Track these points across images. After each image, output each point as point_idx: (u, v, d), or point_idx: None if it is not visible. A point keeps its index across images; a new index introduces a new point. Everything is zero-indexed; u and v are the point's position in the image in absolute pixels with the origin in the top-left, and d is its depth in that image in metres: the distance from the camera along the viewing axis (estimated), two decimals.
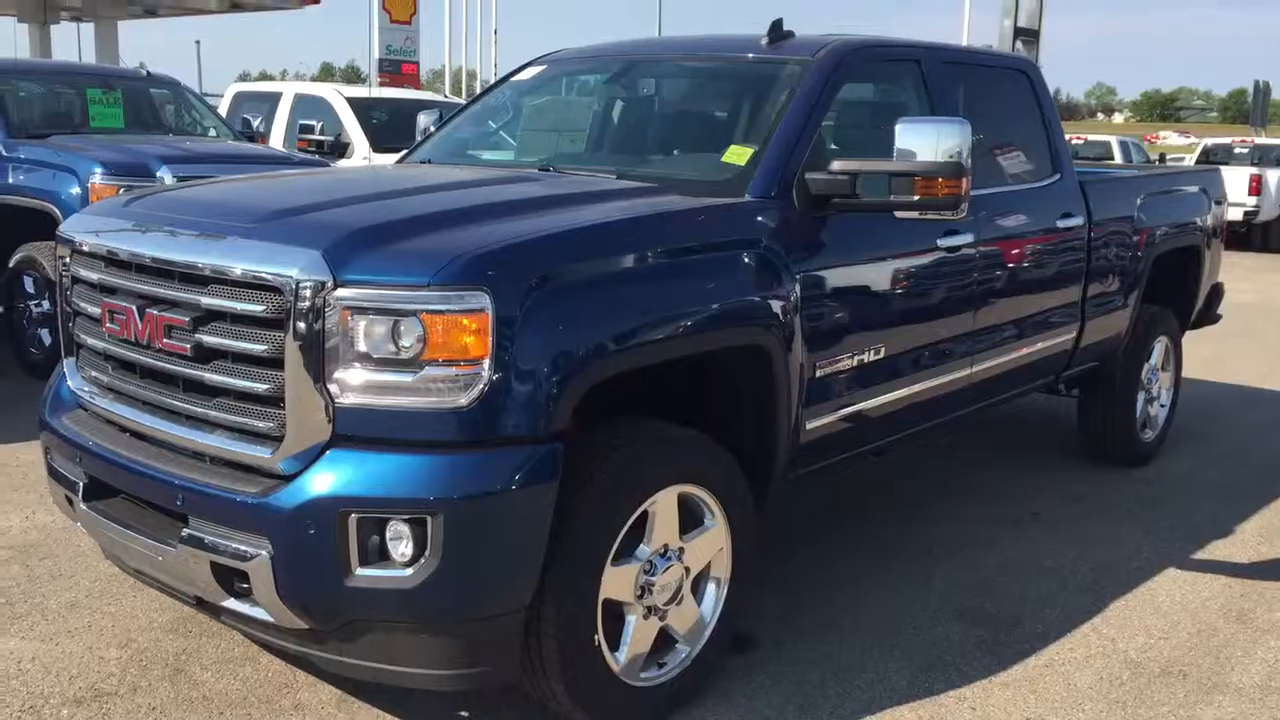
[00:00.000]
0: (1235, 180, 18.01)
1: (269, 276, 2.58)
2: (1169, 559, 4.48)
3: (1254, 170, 18.27)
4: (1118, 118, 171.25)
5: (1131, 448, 5.68)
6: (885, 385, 3.77)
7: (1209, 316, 6.42)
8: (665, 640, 3.11)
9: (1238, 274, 14.75)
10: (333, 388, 2.55)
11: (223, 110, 10.33)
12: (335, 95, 9.78)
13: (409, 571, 2.52)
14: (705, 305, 3.01)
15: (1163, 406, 5.97)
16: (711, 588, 3.21)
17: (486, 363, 2.53)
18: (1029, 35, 25.41)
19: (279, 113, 9.98)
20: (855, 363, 3.61)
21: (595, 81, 4.38)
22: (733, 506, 3.17)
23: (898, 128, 3.35)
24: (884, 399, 3.78)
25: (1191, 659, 3.62)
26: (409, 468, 2.53)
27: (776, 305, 3.22)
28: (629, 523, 2.87)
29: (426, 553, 2.51)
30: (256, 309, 2.61)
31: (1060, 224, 4.71)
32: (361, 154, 9.34)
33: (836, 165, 3.42)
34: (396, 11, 23.72)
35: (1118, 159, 20.94)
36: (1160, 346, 5.82)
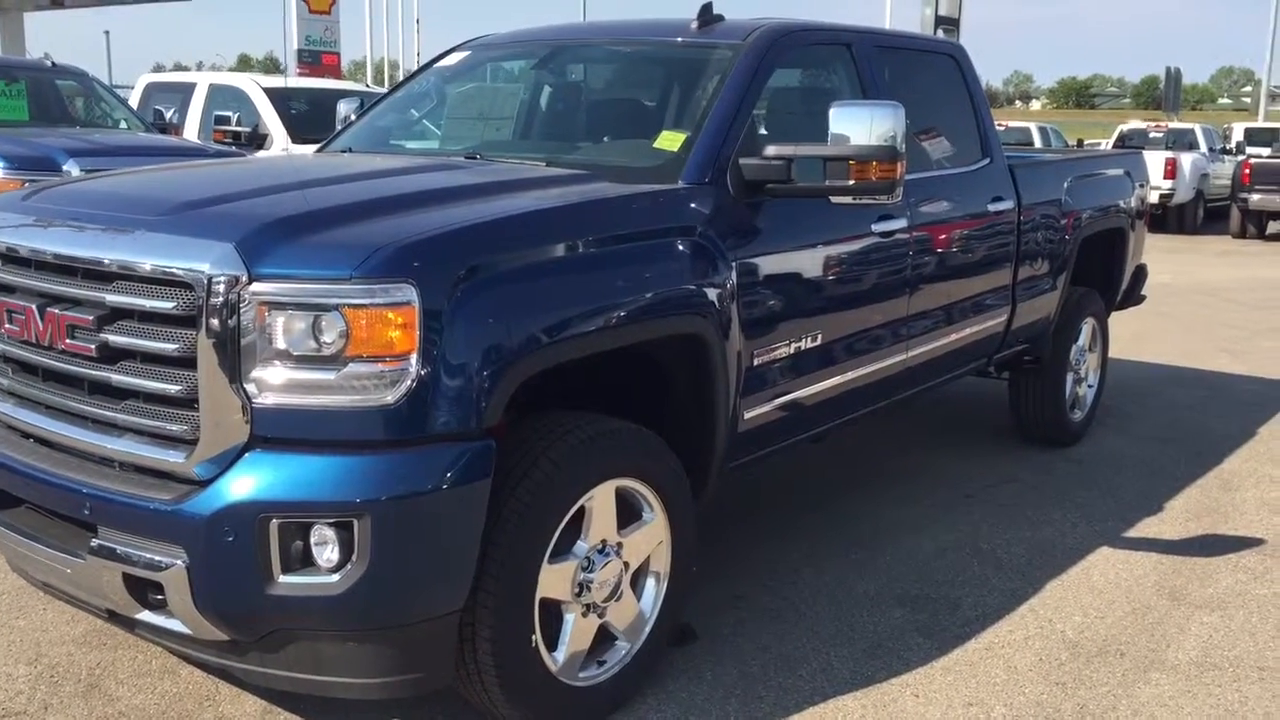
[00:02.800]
0: (1151, 164, 18.27)
1: (179, 271, 2.44)
2: (1102, 538, 4.52)
3: (1169, 154, 18.72)
4: (1035, 105, 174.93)
5: (1061, 428, 5.74)
6: (822, 372, 3.73)
7: (1134, 297, 6.53)
8: (605, 637, 3.03)
9: (1155, 256, 14.94)
10: (250, 387, 2.42)
11: (134, 102, 9.98)
12: (252, 85, 9.49)
13: (335, 578, 2.41)
14: (640, 294, 2.93)
15: (1090, 387, 6.05)
16: (651, 582, 3.14)
17: (413, 358, 2.42)
18: (949, 23, 25.76)
19: (193, 104, 9.67)
20: (792, 350, 3.56)
21: (521, 67, 4.27)
22: (672, 499, 3.11)
23: (832, 112, 3.30)
24: (821, 386, 3.74)
25: (1128, 637, 3.65)
26: (333, 469, 2.41)
27: (713, 293, 3.15)
28: (565, 519, 2.79)
29: (353, 558, 2.40)
30: (166, 306, 2.47)
31: (991, 208, 4.72)
32: (280, 145, 9.08)
33: (771, 150, 3.36)
34: (315, 2, 23.25)
35: (1037, 144, 21.33)
36: (1088, 328, 5.89)
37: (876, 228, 3.92)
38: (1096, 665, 3.46)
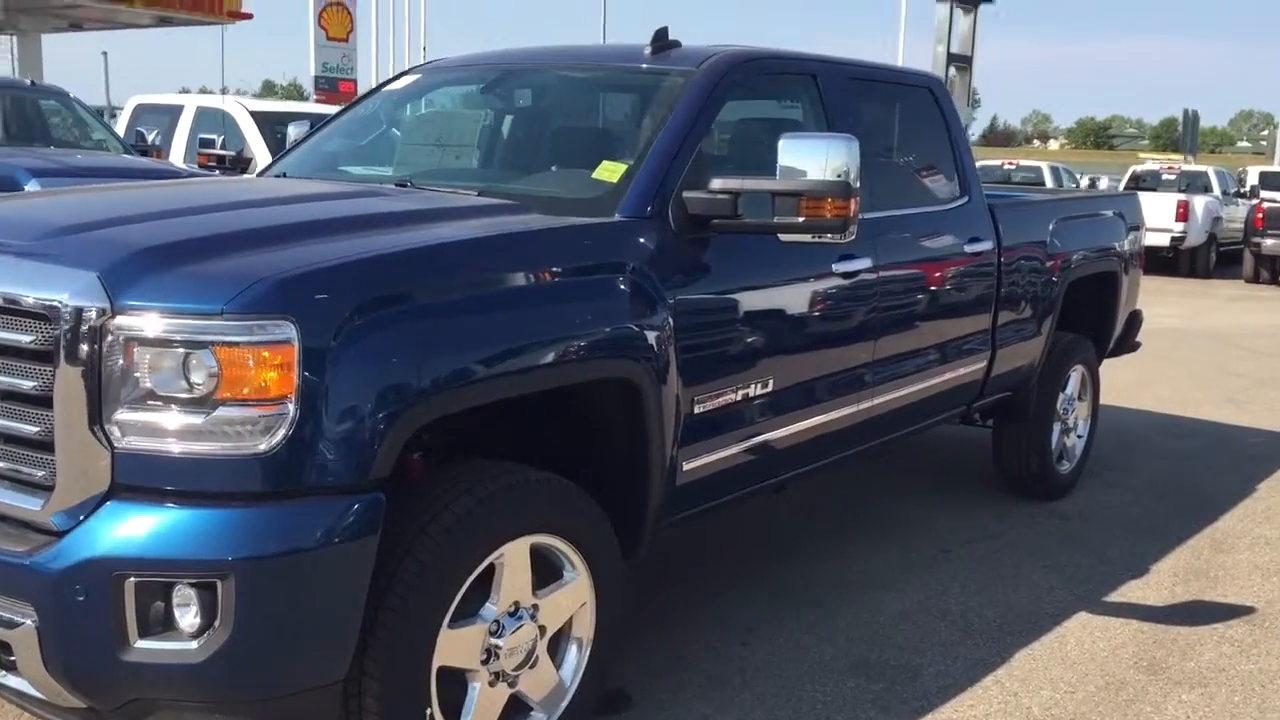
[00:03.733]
0: (1162, 206, 18.21)
1: (33, 302, 2.24)
2: (1081, 602, 4.26)
3: (1181, 196, 18.46)
4: (1053, 144, 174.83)
5: (1048, 480, 5.48)
6: (774, 421, 3.50)
7: (1128, 344, 6.27)
8: (518, 708, 2.79)
9: (1164, 299, 14.85)
10: (112, 430, 2.21)
11: (122, 123, 9.87)
12: (238, 108, 9.38)
13: (195, 644, 2.19)
14: (562, 336, 2.72)
15: (1080, 437, 5.79)
16: (573, 649, 2.90)
17: (291, 402, 2.21)
18: (962, 61, 25.68)
19: (180, 126, 9.55)
20: (739, 397, 3.33)
21: (468, 92, 4.08)
22: (597, 557, 2.87)
23: (781, 144, 3.09)
24: (772, 435, 3.51)
25: (1098, 716, 3.38)
26: (198, 523, 2.19)
27: (647, 334, 2.93)
28: (470, 580, 2.56)
29: (216, 622, 2.18)
30: (23, 339, 2.27)
31: (968, 248, 4.50)
32: None
33: (717, 184, 3.15)
34: (333, 29, 23.34)
35: (1049, 184, 21.11)
36: (1076, 375, 5.64)
37: (838, 267, 3.70)
38: None
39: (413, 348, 2.37)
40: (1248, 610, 4.25)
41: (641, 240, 3.05)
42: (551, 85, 3.90)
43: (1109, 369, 6.64)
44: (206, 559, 2.16)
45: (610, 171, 3.20)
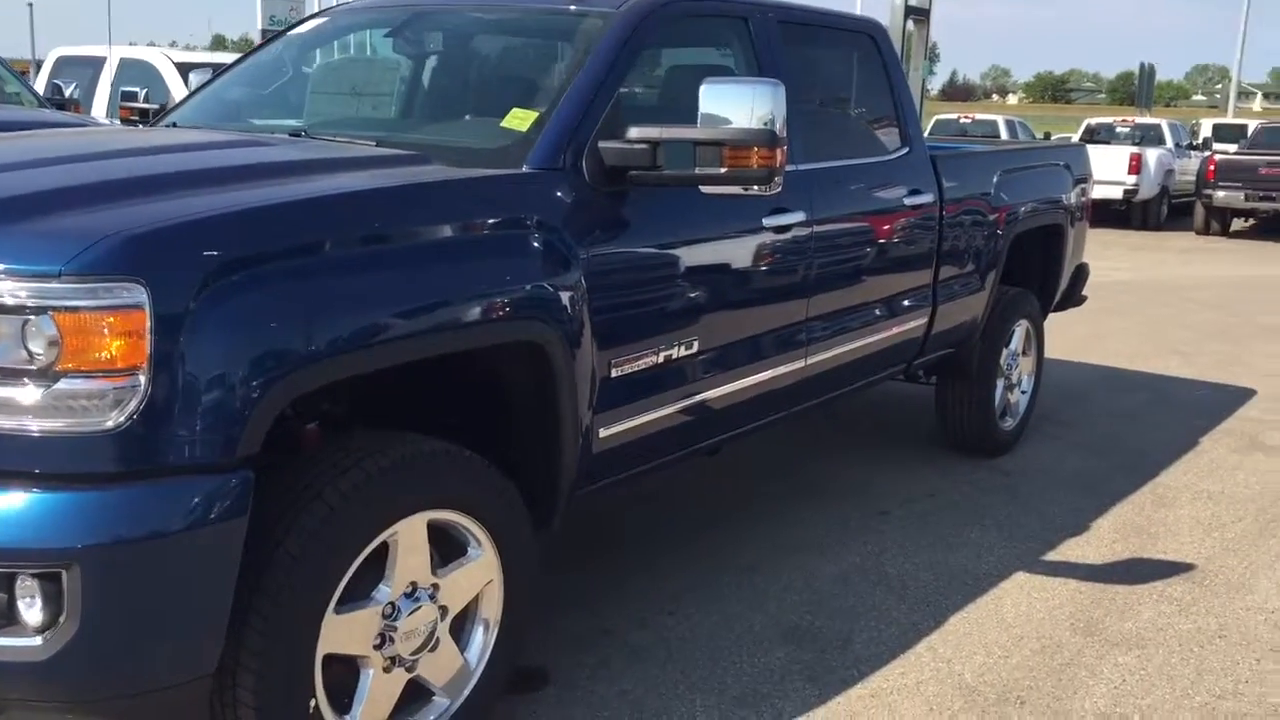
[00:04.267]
0: (1115, 159, 18.17)
1: None
2: (1019, 561, 4.16)
3: (1134, 149, 18.43)
4: (1012, 99, 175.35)
5: (991, 437, 5.38)
6: (700, 383, 3.33)
7: (1074, 298, 6.17)
8: (419, 694, 2.63)
9: (1116, 252, 14.85)
10: None
11: (43, 75, 9.44)
12: (163, 60, 8.99)
13: (39, 640, 1.99)
14: (458, 296, 2.52)
15: (1024, 393, 5.69)
16: (479, 629, 2.74)
17: (143, 373, 2.00)
18: (919, 15, 25.34)
19: (102, 79, 9.15)
20: (661, 359, 3.16)
21: (376, 36, 3.84)
22: (504, 532, 2.70)
23: (702, 90, 2.90)
24: (698, 398, 3.34)
25: (1032, 681, 3.28)
26: (41, 508, 1.99)
27: (556, 295, 2.74)
28: (358, 561, 2.38)
29: (62, 616, 1.99)
30: None
31: (908, 201, 4.33)
32: None
33: (634, 132, 2.95)
34: None
35: (1004, 137, 21.03)
36: (1020, 331, 5.52)
37: (769, 221, 3.53)
38: (991, 717, 3.09)
39: (282, 312, 2.17)
40: (1187, 567, 4.17)
41: (551, 193, 2.85)
42: (464, 28, 3.66)
43: (1058, 323, 6.56)
44: (49, 547, 1.96)
45: (520, 120, 2.99)
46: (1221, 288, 11.79)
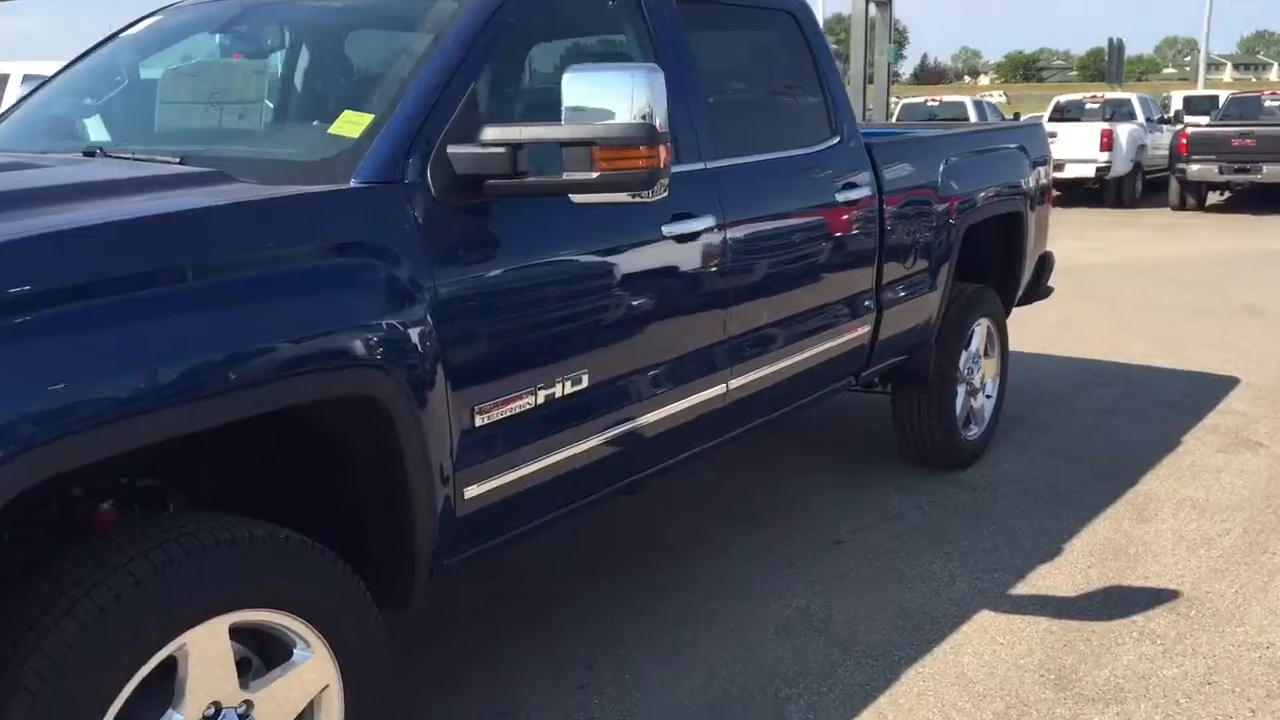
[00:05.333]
0: (1087, 136, 17.79)
1: None
2: (983, 596, 3.71)
3: (1105, 125, 18.04)
4: (983, 79, 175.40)
5: (954, 449, 4.93)
6: (593, 424, 2.86)
7: (1038, 291, 5.72)
8: None
9: (1088, 231, 14.44)
10: None
11: None
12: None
13: None
14: (252, 346, 2.04)
15: (989, 398, 5.24)
16: None
17: None
18: None
19: (7, 94, 8.62)
20: (541, 400, 2.69)
21: (207, 36, 3.35)
22: (339, 627, 2.23)
23: (565, 80, 2.43)
24: (594, 441, 2.87)
25: None
26: None
27: (391, 336, 2.27)
28: (133, 683, 1.90)
29: None
30: None
31: (840, 196, 3.87)
32: None
33: (490, 134, 2.49)
34: None
35: (973, 119, 20.62)
36: (981, 330, 5.07)
37: (671, 230, 3.06)
38: None
39: (23, 373, 1.69)
40: (1170, 595, 3.73)
41: (386, 212, 2.38)
42: (302, 20, 3.18)
43: (1027, 313, 6.11)
44: None
45: (352, 124, 2.52)
46: (1200, 265, 11.38)
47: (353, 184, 2.38)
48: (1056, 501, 4.59)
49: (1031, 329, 7.45)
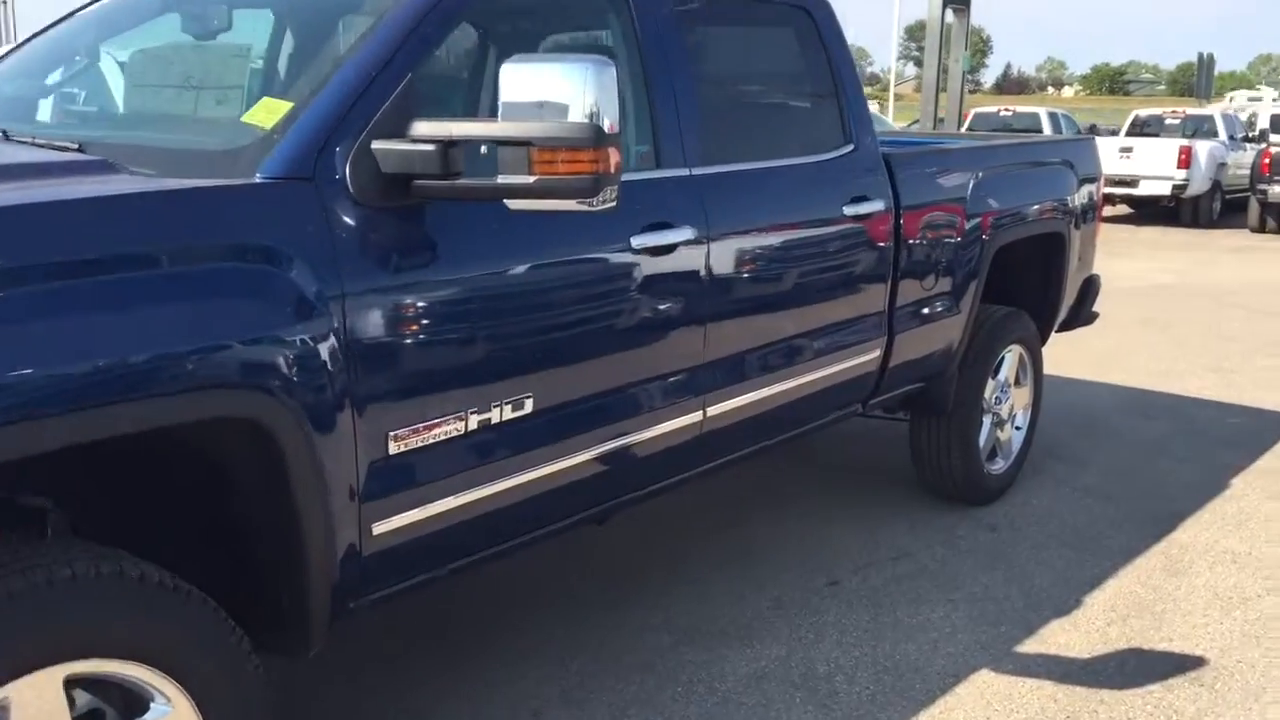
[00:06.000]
0: (1164, 152, 17.09)
1: None
2: (986, 654, 3.37)
3: (1184, 142, 17.32)
4: (1068, 91, 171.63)
5: (975, 483, 4.57)
6: (539, 453, 2.60)
7: (1081, 316, 5.32)
8: None
9: (1160, 252, 13.85)
10: None
11: None
12: None
13: None
14: (116, 358, 1.81)
15: (1018, 429, 4.87)
16: None
17: None
18: (959, 3, 24.36)
19: None
20: (475, 425, 2.43)
21: (150, 13, 3.14)
22: (207, 680, 1.99)
23: (504, 70, 2.18)
24: (538, 472, 2.61)
25: None
26: None
27: (285, 352, 2.03)
28: None
29: None
30: None
31: (849, 210, 3.56)
32: None
33: (421, 129, 2.24)
34: None
35: (1046, 131, 19.96)
36: (1012, 357, 4.71)
37: (642, 242, 2.79)
38: None
39: None
40: (1196, 663, 3.36)
41: (294, 211, 2.14)
42: (238, 2, 2.95)
43: (1080, 335, 5.71)
44: None
45: (268, 113, 2.28)
46: (1274, 293, 10.76)
47: (257, 179, 2.15)
48: (1082, 546, 4.22)
49: (1084, 352, 7.03)
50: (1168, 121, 20.15)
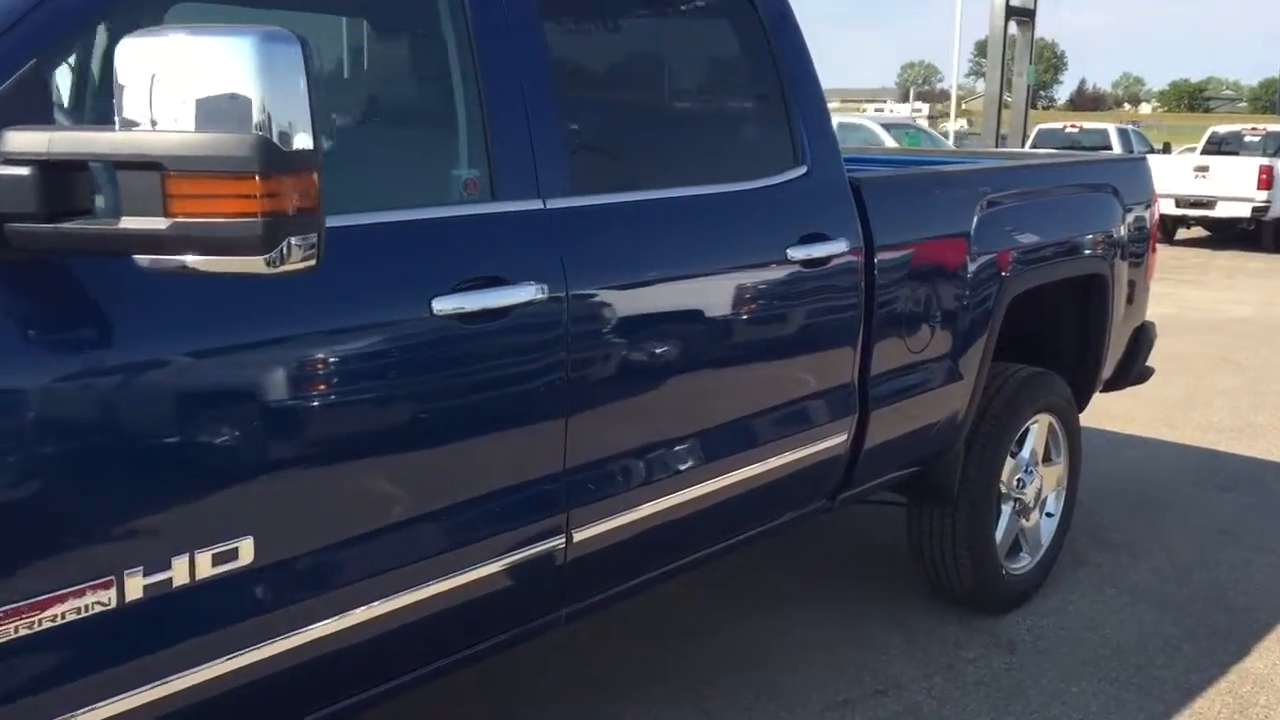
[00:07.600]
0: (1243, 171, 15.82)
1: None
2: None
3: (1264, 161, 16.03)
4: (1144, 108, 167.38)
5: (990, 587, 3.64)
6: (266, 620, 1.77)
7: (1131, 373, 4.34)
8: None
9: (1238, 280, 12.65)
10: None
11: None
12: None
13: None
14: None
15: (1049, 516, 3.91)
16: None
17: None
18: (1023, 15, 23.24)
19: None
20: (140, 593, 1.61)
21: None
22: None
23: (119, 50, 1.38)
24: (269, 650, 1.78)
25: None
26: None
27: None
28: None
29: None
30: None
31: (796, 253, 2.67)
32: None
33: (13, 140, 1.44)
34: None
35: (1116, 148, 18.73)
36: (1039, 429, 3.76)
37: (447, 304, 1.95)
38: None
39: None
40: None
41: None
42: None
43: (1145, 385, 4.72)
44: None
45: None
46: None
47: None
48: (1124, 678, 3.28)
49: (1144, 402, 6.02)
50: (1247, 139, 18.78)
